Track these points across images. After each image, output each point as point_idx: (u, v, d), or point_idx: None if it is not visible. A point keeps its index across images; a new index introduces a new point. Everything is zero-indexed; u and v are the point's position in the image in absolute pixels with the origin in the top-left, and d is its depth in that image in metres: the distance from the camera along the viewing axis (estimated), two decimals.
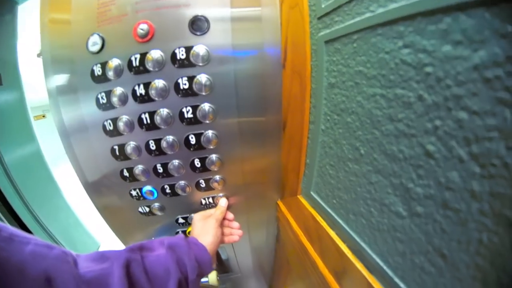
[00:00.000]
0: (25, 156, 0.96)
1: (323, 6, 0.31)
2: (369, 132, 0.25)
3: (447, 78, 0.17)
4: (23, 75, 0.95)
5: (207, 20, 0.35)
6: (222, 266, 0.69)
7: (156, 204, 0.45)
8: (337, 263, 0.34)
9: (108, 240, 1.47)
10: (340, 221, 0.33)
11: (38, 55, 2.13)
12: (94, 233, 1.43)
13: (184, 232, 0.50)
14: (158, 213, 0.46)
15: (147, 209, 0.45)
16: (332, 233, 0.34)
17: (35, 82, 1.55)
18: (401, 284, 0.24)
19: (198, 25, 0.35)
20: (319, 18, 0.33)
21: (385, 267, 0.26)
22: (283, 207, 0.47)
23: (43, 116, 2.71)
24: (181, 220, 0.48)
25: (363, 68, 0.26)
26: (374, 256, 0.28)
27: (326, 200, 0.36)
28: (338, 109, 0.30)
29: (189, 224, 0.49)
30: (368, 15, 0.23)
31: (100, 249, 1.42)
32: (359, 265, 0.30)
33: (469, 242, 0.17)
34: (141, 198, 0.44)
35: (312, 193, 0.40)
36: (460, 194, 0.17)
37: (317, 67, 0.34)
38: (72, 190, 1.31)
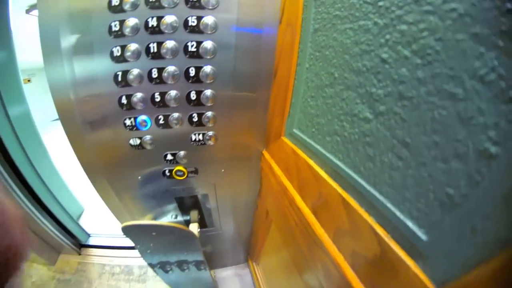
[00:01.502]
0: (15, 118, 0.98)
1: None
2: (341, 57, 0.35)
3: (392, 5, 0.27)
4: (14, 33, 0.97)
5: None
6: (203, 221, 0.75)
7: (148, 137, 0.51)
8: (313, 190, 0.42)
9: (92, 205, 1.58)
10: (318, 147, 0.41)
11: (27, 11, 2.09)
12: (79, 197, 1.54)
13: (170, 171, 0.56)
14: (148, 146, 0.52)
15: (138, 141, 0.51)
16: (310, 161, 0.43)
17: (25, 41, 1.56)
18: (373, 191, 0.31)
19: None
20: None
21: (357, 178, 0.34)
22: (267, 155, 0.56)
23: (29, 81, 2.90)
24: (169, 157, 0.54)
25: (338, 12, 0.35)
26: (347, 169, 0.35)
27: (306, 131, 0.45)
28: (319, 47, 0.40)
29: (177, 163, 0.55)
30: None
31: (84, 215, 1.53)
32: (334, 184, 0.38)
33: (425, 122, 0.24)
34: (134, 128, 0.50)
35: (294, 130, 0.49)
36: (410, 83, 0.25)
37: (307, 18, 0.44)
38: (59, 154, 1.42)
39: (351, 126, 0.35)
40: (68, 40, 0.43)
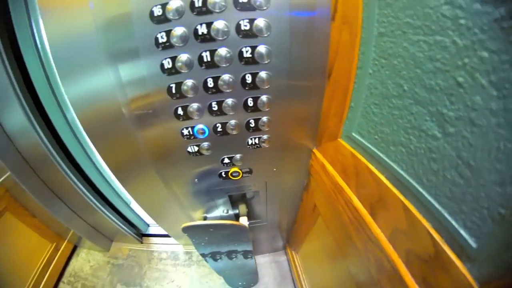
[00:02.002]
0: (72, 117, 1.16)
1: None
2: (412, 71, 0.39)
3: (475, 27, 0.30)
4: None
5: None
6: (251, 214, 0.88)
7: (206, 144, 0.60)
8: (373, 193, 0.50)
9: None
10: (380, 154, 0.47)
11: None
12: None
13: (226, 172, 0.66)
14: (206, 152, 0.61)
15: (196, 148, 0.60)
16: (371, 167, 0.49)
17: None
18: (433, 201, 0.38)
19: None
20: None
21: (419, 188, 0.40)
22: (318, 154, 0.63)
23: None
24: (226, 160, 0.63)
25: (410, 20, 0.39)
26: (410, 179, 0.42)
27: (367, 137, 0.50)
28: (386, 54, 0.44)
29: (233, 165, 0.65)
30: None
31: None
32: (395, 191, 0.44)
33: (490, 150, 0.30)
34: (192, 137, 0.59)
35: (353, 134, 0.54)
36: (482, 112, 0.30)
37: (368, 18, 0.47)
38: None
39: (418, 140, 0.40)
40: (115, 53, 0.50)
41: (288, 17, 0.49)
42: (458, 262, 0.34)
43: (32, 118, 0.93)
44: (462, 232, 0.34)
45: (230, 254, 0.91)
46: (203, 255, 0.91)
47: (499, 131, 0.28)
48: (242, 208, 0.83)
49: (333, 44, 0.53)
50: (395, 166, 0.45)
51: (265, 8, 0.47)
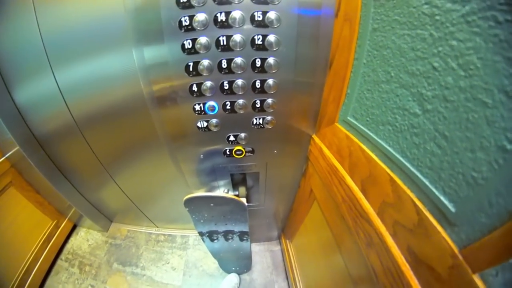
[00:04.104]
0: None
1: None
2: (398, 59, 0.47)
3: (447, 22, 0.38)
4: None
5: None
6: (249, 196, 0.95)
7: (214, 120, 0.67)
8: (364, 170, 0.57)
9: None
10: (371, 134, 0.55)
11: None
12: None
13: (231, 150, 0.73)
14: (214, 129, 0.68)
15: (205, 124, 0.68)
16: (363, 146, 0.57)
17: None
18: (416, 172, 0.45)
19: None
20: None
21: (404, 161, 0.47)
22: (317, 139, 0.70)
23: None
24: (231, 138, 0.71)
25: (397, 17, 0.47)
26: (396, 154, 0.49)
27: (360, 120, 0.58)
28: (378, 46, 0.52)
29: (237, 143, 0.72)
30: None
31: None
32: (383, 166, 0.51)
33: (461, 122, 0.37)
34: (203, 113, 0.66)
35: (349, 117, 0.62)
36: (453, 90, 0.37)
37: (365, 16, 0.55)
38: None
39: (402, 118, 0.48)
40: (141, 36, 0.58)
41: (296, 13, 0.57)
42: (439, 228, 0.40)
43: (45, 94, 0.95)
44: (442, 198, 0.40)
45: (227, 235, 0.97)
46: (200, 234, 0.97)
47: (467, 105, 0.35)
48: (242, 190, 0.90)
49: (335, 38, 0.61)
50: (383, 143, 0.52)
51: (277, 2, 0.55)
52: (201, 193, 0.80)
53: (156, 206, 1.48)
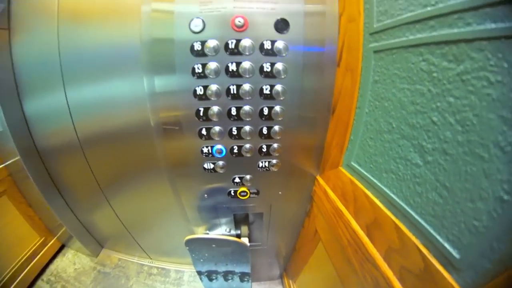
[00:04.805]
0: None
1: (374, 26, 0.56)
2: (399, 111, 0.49)
3: (444, 79, 0.41)
4: None
5: (287, 23, 0.60)
6: (252, 236, 0.93)
7: (221, 162, 0.69)
8: (369, 216, 0.57)
9: None
10: (375, 180, 0.56)
11: None
12: None
13: (235, 191, 0.74)
14: (220, 170, 0.70)
15: (212, 166, 0.69)
16: (367, 192, 0.57)
17: None
18: (420, 219, 0.45)
19: (281, 26, 0.60)
20: (370, 34, 0.57)
21: (408, 208, 0.48)
22: (321, 181, 0.71)
23: None
24: (237, 180, 0.72)
25: (397, 71, 0.50)
26: (400, 201, 0.50)
27: (364, 166, 0.59)
28: (379, 97, 0.55)
29: (243, 185, 0.73)
30: (403, 39, 0.48)
31: None
32: (388, 212, 0.52)
33: (460, 173, 0.38)
34: (210, 155, 0.68)
35: (352, 163, 0.63)
36: (452, 143, 0.39)
37: (366, 68, 0.59)
38: None
39: (405, 168, 0.49)
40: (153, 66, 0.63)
41: (301, 63, 0.61)
42: (445, 273, 0.41)
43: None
44: (446, 245, 0.41)
45: (226, 275, 0.94)
46: (199, 273, 0.94)
47: (465, 158, 0.37)
48: (244, 229, 0.89)
49: (337, 86, 0.64)
50: (387, 191, 0.53)
51: (284, 55, 0.60)
52: (204, 235, 0.79)
53: (151, 236, 1.42)
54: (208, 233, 0.88)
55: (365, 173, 0.59)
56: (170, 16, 0.61)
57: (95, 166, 1.06)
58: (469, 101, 0.36)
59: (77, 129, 0.94)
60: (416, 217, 0.46)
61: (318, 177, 0.76)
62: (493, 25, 0.33)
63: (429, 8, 0.42)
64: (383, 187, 0.54)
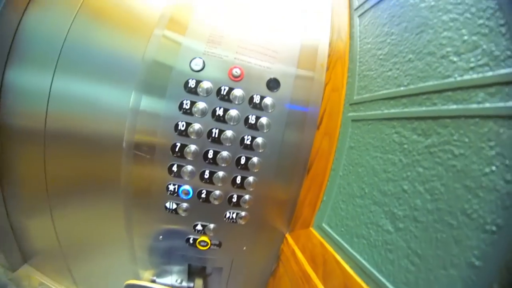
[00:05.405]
0: None
1: (354, 98, 0.62)
2: (371, 178, 0.51)
3: (414, 151, 0.44)
4: None
5: (278, 83, 0.65)
6: None
7: (185, 205, 0.65)
8: (339, 282, 0.54)
9: None
10: (346, 245, 0.54)
11: None
12: None
13: (195, 240, 0.68)
14: (182, 213, 0.65)
15: (175, 206, 0.65)
16: (337, 256, 0.55)
17: None
18: None
19: (272, 85, 0.64)
20: (350, 104, 0.63)
21: (380, 276, 0.46)
22: (290, 240, 0.68)
23: None
24: (199, 227, 0.66)
25: (371, 141, 0.54)
26: (371, 268, 0.48)
27: (335, 229, 0.58)
28: (353, 163, 0.57)
29: (204, 233, 0.67)
30: (379, 112, 0.53)
31: None
32: (359, 280, 0.49)
33: (431, 240, 0.38)
34: (175, 194, 0.64)
35: (323, 224, 0.62)
36: (422, 212, 0.40)
37: (343, 134, 0.63)
38: None
39: (376, 234, 0.49)
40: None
41: (284, 121, 0.64)
42: None
43: None
44: None
45: None
46: None
47: (435, 225, 0.38)
48: (199, 283, 0.78)
49: (315, 147, 0.67)
50: (358, 256, 0.51)
51: (270, 111, 0.63)
52: (148, 282, 0.68)
53: (87, 266, 1.16)
54: (154, 280, 0.76)
55: (336, 236, 0.58)
56: (176, 47, 0.64)
57: (51, 166, 0.92)
58: (437, 172, 0.39)
59: (48, 118, 0.84)
60: (388, 285, 0.44)
61: (288, 235, 0.72)
62: (454, 106, 0.37)
63: (402, 88, 0.48)
64: (354, 252, 0.52)
